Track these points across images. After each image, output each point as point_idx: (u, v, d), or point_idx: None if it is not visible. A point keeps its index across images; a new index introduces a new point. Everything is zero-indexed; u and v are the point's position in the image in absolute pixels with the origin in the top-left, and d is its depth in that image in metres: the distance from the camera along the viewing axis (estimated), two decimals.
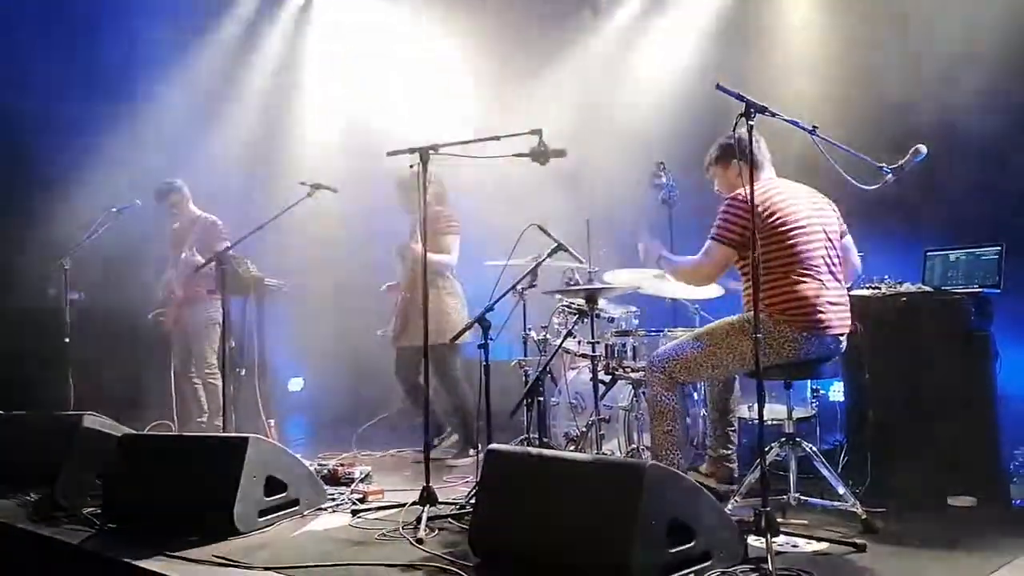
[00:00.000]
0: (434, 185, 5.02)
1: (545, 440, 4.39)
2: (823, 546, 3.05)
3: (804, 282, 3.47)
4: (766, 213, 3.50)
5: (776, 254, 3.49)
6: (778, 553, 2.88)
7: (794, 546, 3.05)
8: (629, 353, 4.33)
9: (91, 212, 5.79)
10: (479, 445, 4.98)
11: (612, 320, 4.77)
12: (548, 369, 4.33)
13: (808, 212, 3.57)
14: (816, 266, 3.52)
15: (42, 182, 6.27)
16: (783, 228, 3.50)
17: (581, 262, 4.48)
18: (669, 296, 4.70)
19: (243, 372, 5.51)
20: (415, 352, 5.10)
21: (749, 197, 3.08)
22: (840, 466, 3.91)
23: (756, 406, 2.98)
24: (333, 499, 3.98)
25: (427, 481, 3.61)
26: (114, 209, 5.69)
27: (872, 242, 5.32)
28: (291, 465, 3.84)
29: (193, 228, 5.75)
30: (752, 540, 2.94)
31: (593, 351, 4.26)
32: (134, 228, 6.23)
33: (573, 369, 4.97)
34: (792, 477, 3.52)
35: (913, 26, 5.41)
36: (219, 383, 5.57)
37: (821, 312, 3.46)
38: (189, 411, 5.82)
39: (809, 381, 4.36)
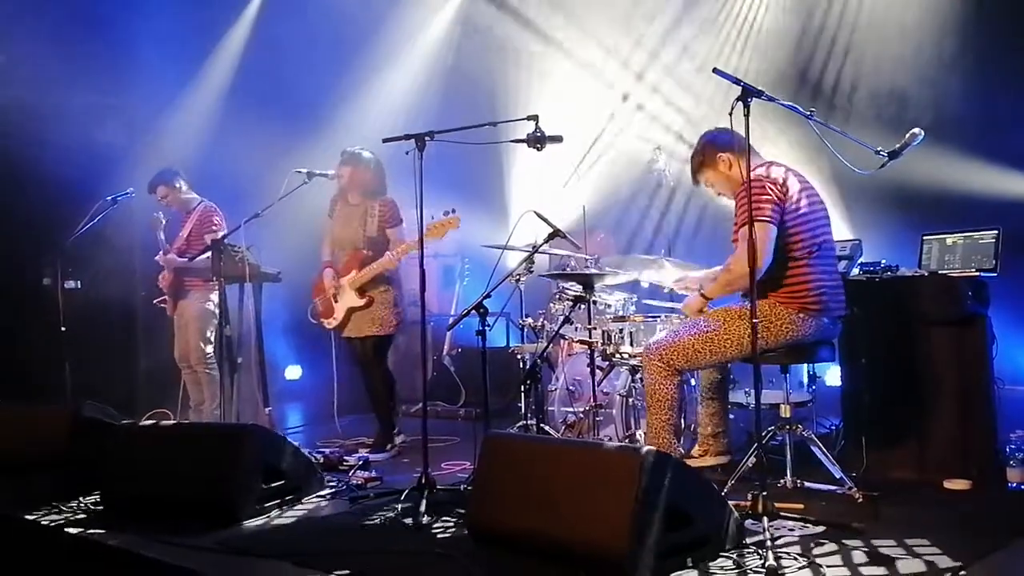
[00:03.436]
0: (378, 171, 4.99)
1: (543, 426, 4.41)
2: (820, 530, 3.06)
3: (817, 264, 3.48)
4: (790, 193, 3.48)
5: (801, 235, 3.48)
6: (775, 537, 2.89)
7: (791, 530, 3.06)
8: (626, 339, 4.33)
9: (87, 200, 5.76)
10: (398, 434, 5.04)
11: (609, 306, 4.77)
12: (546, 355, 4.34)
13: (817, 192, 3.59)
14: (831, 247, 3.56)
15: (38, 171, 6.23)
16: (809, 207, 3.50)
17: (578, 248, 4.48)
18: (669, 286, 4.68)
19: (241, 360, 5.50)
20: (362, 343, 5.00)
21: (746, 180, 3.08)
22: (836, 450, 3.92)
23: (753, 392, 2.99)
24: (331, 486, 3.99)
25: (425, 467, 3.61)
26: (109, 198, 5.65)
27: (869, 226, 5.34)
28: (289, 453, 3.85)
29: (188, 219, 5.71)
30: (749, 524, 2.95)
31: (590, 337, 4.26)
32: (130, 216, 6.22)
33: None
34: (789, 462, 3.53)
35: None
36: (214, 372, 5.56)
37: (822, 293, 3.47)
38: (187, 399, 5.82)
39: (806, 366, 4.36)
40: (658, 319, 4.29)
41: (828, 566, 2.71)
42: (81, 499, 3.87)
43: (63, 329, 5.60)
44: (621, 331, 4.32)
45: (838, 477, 3.42)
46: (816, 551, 2.85)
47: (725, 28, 6.43)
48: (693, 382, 4.27)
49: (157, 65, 6.83)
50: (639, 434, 4.20)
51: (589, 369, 4.28)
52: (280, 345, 7.36)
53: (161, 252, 5.63)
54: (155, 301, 5.85)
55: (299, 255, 5.90)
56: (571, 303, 4.50)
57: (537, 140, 3.78)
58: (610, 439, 4.29)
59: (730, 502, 2.95)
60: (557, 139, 3.81)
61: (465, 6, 7.55)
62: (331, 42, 7.28)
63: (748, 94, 3.00)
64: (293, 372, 7.79)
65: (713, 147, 3.70)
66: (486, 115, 4.14)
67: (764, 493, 2.88)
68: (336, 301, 5.00)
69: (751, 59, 6.24)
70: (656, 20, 6.74)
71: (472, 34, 7.41)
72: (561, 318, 4.52)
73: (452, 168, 5.86)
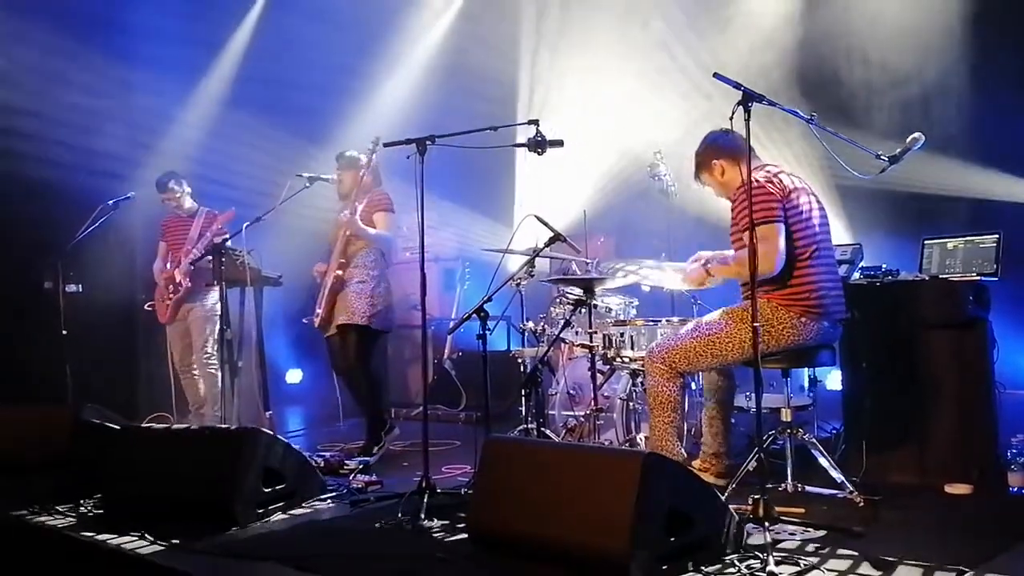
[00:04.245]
0: (371, 169, 4.97)
1: (543, 430, 4.40)
2: (820, 534, 3.06)
3: (816, 266, 3.48)
4: (787, 190, 3.48)
5: (801, 234, 3.47)
6: (776, 541, 2.89)
7: (792, 534, 3.06)
8: (627, 343, 4.33)
9: (88, 204, 5.77)
10: (393, 428, 5.00)
11: (610, 310, 4.77)
12: (546, 359, 4.34)
13: (811, 190, 3.59)
14: (830, 249, 3.56)
15: (39, 174, 6.25)
16: (806, 205, 3.50)
17: (578, 251, 4.48)
18: (668, 288, 4.68)
19: (241, 363, 5.51)
20: (342, 339, 4.86)
21: (747, 184, 3.08)
22: (837, 454, 3.91)
23: (754, 395, 2.98)
24: (332, 490, 3.98)
25: (425, 471, 3.61)
26: (110, 202, 5.67)
27: (869, 230, 5.35)
28: (289, 456, 3.85)
29: (194, 222, 5.72)
30: (750, 528, 2.95)
31: (591, 341, 4.26)
32: (130, 220, 6.23)
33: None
34: (789, 466, 3.53)
35: None
36: (218, 373, 5.56)
37: (823, 296, 3.47)
38: (187, 402, 5.82)
39: (806, 370, 4.36)
40: (659, 323, 4.29)
41: (829, 570, 2.70)
42: (81, 501, 3.87)
43: (64, 332, 5.62)
44: (622, 335, 4.32)
45: (839, 481, 3.42)
46: (817, 555, 2.85)
47: (732, 27, 6.43)
48: (694, 386, 4.28)
49: (159, 68, 6.86)
50: (640, 438, 4.20)
51: (590, 373, 4.28)
52: (281, 349, 7.38)
53: (195, 251, 5.62)
54: (147, 306, 5.86)
55: (300, 259, 5.91)
56: (572, 307, 4.50)
57: (538, 144, 3.78)
58: (611, 443, 4.29)
59: (731, 506, 2.94)
60: (558, 143, 3.81)
61: (468, 8, 7.56)
62: (334, 46, 7.31)
63: (748, 99, 3.00)
64: (294, 376, 7.80)
65: (711, 151, 3.71)
66: (488, 119, 4.13)
67: (765, 497, 2.87)
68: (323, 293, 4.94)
69: (757, 60, 6.24)
70: (659, 19, 6.76)
71: (475, 37, 7.41)
72: (562, 322, 4.52)
73: (454, 172, 5.88)
